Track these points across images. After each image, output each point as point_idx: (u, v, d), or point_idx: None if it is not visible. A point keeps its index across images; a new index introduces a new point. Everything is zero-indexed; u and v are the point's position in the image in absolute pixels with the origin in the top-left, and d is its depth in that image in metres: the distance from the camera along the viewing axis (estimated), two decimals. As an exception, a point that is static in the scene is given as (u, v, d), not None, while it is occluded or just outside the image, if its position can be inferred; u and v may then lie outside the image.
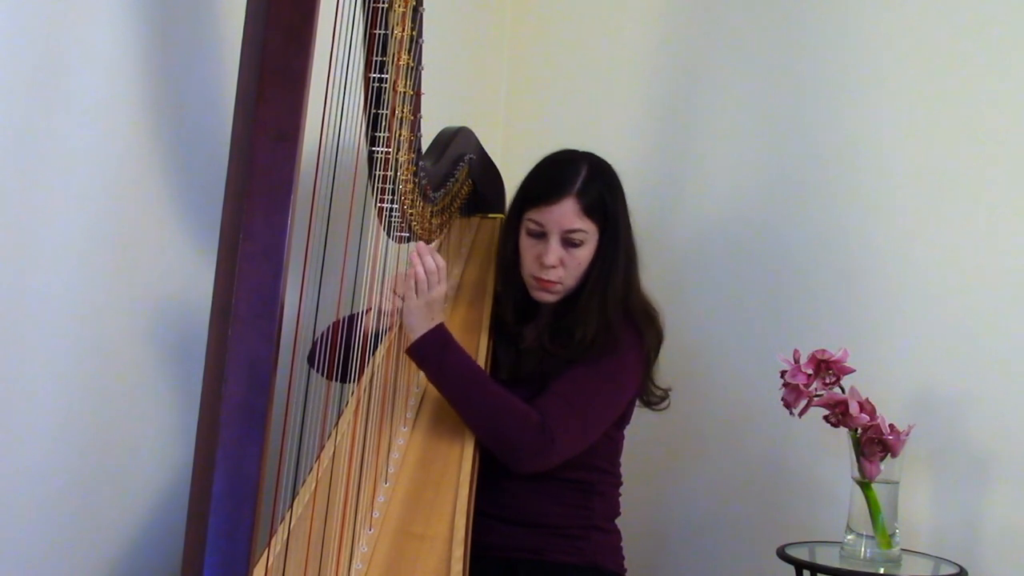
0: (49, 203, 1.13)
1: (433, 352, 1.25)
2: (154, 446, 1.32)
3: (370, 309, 1.28)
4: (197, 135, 1.31)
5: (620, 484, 1.43)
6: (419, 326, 1.25)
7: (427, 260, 1.26)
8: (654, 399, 1.40)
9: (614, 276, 1.34)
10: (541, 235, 1.35)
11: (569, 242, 1.33)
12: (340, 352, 1.26)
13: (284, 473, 0.98)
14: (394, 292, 1.30)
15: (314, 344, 1.29)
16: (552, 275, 1.35)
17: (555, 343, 1.33)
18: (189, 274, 1.31)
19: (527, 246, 1.36)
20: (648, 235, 1.44)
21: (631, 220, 1.39)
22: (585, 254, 1.34)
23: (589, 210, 1.33)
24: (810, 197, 1.78)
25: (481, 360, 1.36)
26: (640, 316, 1.36)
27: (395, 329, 1.35)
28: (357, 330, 1.27)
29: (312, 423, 1.13)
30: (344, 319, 1.29)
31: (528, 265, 1.36)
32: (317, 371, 1.25)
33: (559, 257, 1.34)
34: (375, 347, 1.30)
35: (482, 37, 2.08)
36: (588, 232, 1.33)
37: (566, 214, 1.33)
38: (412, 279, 1.25)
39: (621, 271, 1.34)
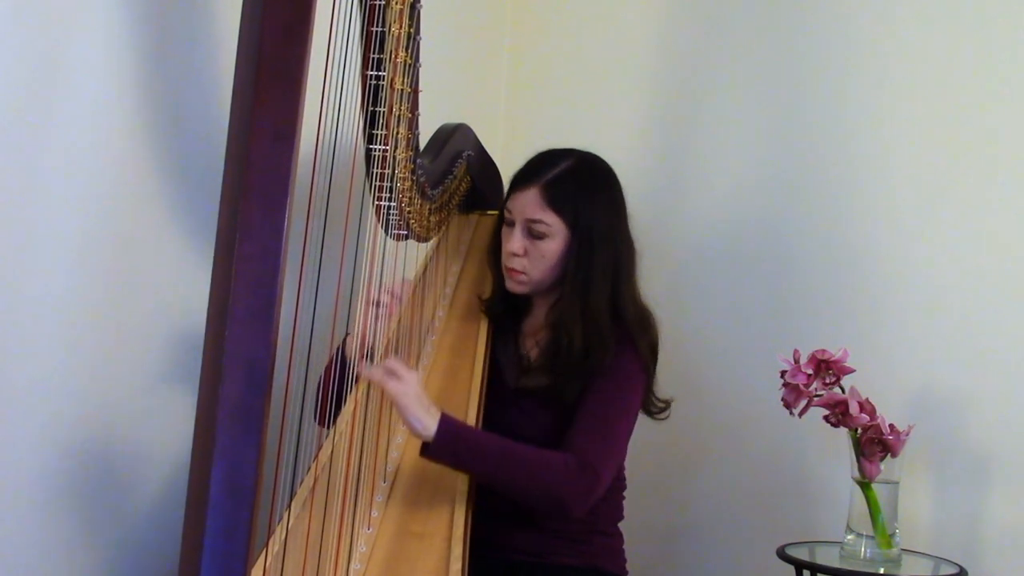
0: (46, 203, 1.13)
1: (448, 451, 1.18)
2: (151, 446, 1.32)
3: (349, 334, 1.27)
4: (194, 134, 1.31)
5: (624, 488, 1.43)
6: (424, 419, 1.16)
7: (390, 363, 1.15)
8: (655, 409, 1.39)
9: (594, 282, 1.30)
10: (512, 223, 1.35)
11: (532, 233, 1.32)
12: (332, 399, 1.23)
13: (282, 473, 0.98)
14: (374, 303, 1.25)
15: (315, 398, 1.27)
16: (516, 264, 1.34)
17: (552, 359, 1.31)
18: (186, 274, 1.31)
19: (504, 235, 1.37)
20: (649, 235, 1.43)
21: (628, 226, 1.36)
22: (550, 248, 1.32)
23: (553, 203, 1.31)
24: (811, 197, 1.78)
25: (480, 361, 1.36)
26: (633, 325, 1.32)
27: (392, 326, 1.35)
28: (347, 361, 1.24)
29: (310, 423, 1.13)
30: (335, 360, 1.26)
31: (502, 254, 1.36)
32: (317, 423, 1.24)
33: (522, 246, 1.33)
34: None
35: (482, 34, 2.08)
36: (551, 225, 1.31)
37: (529, 202, 1.32)
38: (379, 376, 1.15)
39: (603, 277, 1.31)
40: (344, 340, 1.29)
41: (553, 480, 1.21)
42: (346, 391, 1.25)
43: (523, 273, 1.34)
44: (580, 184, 1.33)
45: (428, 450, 1.19)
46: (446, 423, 1.19)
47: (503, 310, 1.42)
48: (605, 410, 1.27)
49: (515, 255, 1.34)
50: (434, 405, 1.20)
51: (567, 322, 1.30)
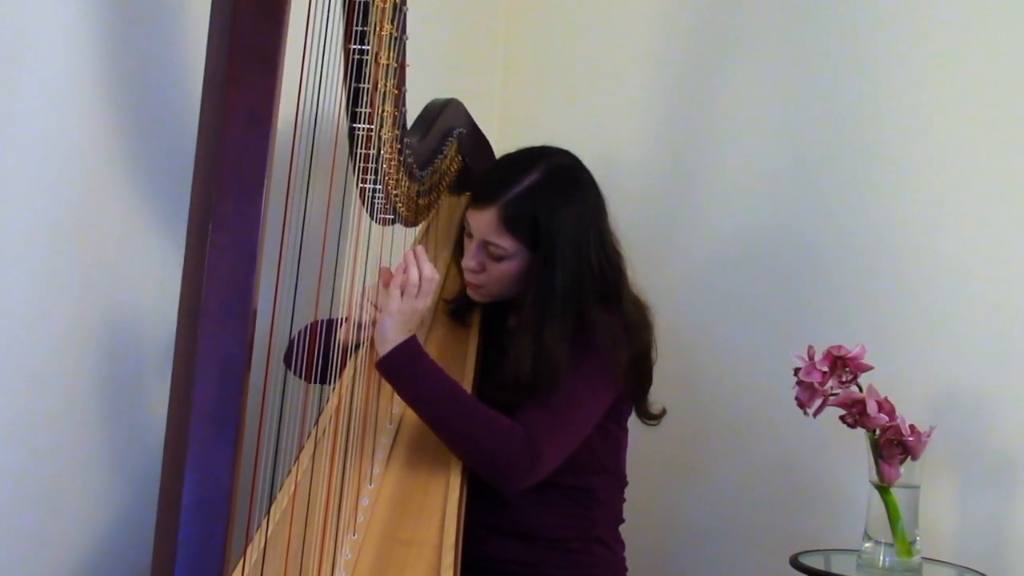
0: (5, 193, 1.13)
1: (403, 367, 1.23)
2: (121, 452, 1.33)
3: (349, 317, 1.28)
4: (164, 118, 1.31)
5: (624, 486, 1.44)
6: (392, 336, 1.24)
7: (425, 266, 1.24)
8: (647, 418, 1.40)
9: (553, 307, 1.28)
10: (471, 235, 1.35)
11: (490, 254, 1.33)
12: (318, 354, 1.26)
13: (260, 478, 0.99)
14: (374, 305, 1.29)
15: (291, 343, 1.29)
16: (474, 278, 1.36)
17: (496, 386, 1.31)
18: (156, 268, 1.31)
19: (465, 242, 1.38)
20: (655, 228, 1.44)
21: (608, 235, 1.34)
22: (508, 268, 1.33)
23: (512, 225, 1.30)
24: (826, 186, 1.78)
25: (472, 355, 1.37)
26: (603, 338, 1.30)
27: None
28: (335, 336, 1.27)
29: (290, 425, 1.14)
30: (323, 321, 1.29)
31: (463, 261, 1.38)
32: (294, 372, 1.26)
33: (480, 263, 1.34)
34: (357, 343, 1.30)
35: (476, 3, 2.07)
36: (508, 249, 1.31)
37: (487, 224, 1.32)
38: (401, 280, 1.23)
39: (564, 303, 1.28)
40: (335, 321, 1.30)
41: (496, 446, 1.22)
42: (333, 349, 1.26)
43: (482, 287, 1.36)
44: (544, 201, 1.31)
45: (385, 360, 1.23)
46: (415, 342, 1.23)
47: (468, 310, 1.43)
48: (571, 391, 1.27)
49: (471, 271, 1.35)
50: (412, 335, 1.24)
51: (518, 353, 1.29)
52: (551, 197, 1.32)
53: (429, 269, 1.25)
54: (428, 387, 1.24)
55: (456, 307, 1.45)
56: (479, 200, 1.34)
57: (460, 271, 1.42)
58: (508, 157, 1.38)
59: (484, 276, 1.35)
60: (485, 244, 1.33)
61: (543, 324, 1.29)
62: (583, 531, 1.36)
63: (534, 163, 1.34)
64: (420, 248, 1.28)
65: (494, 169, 1.38)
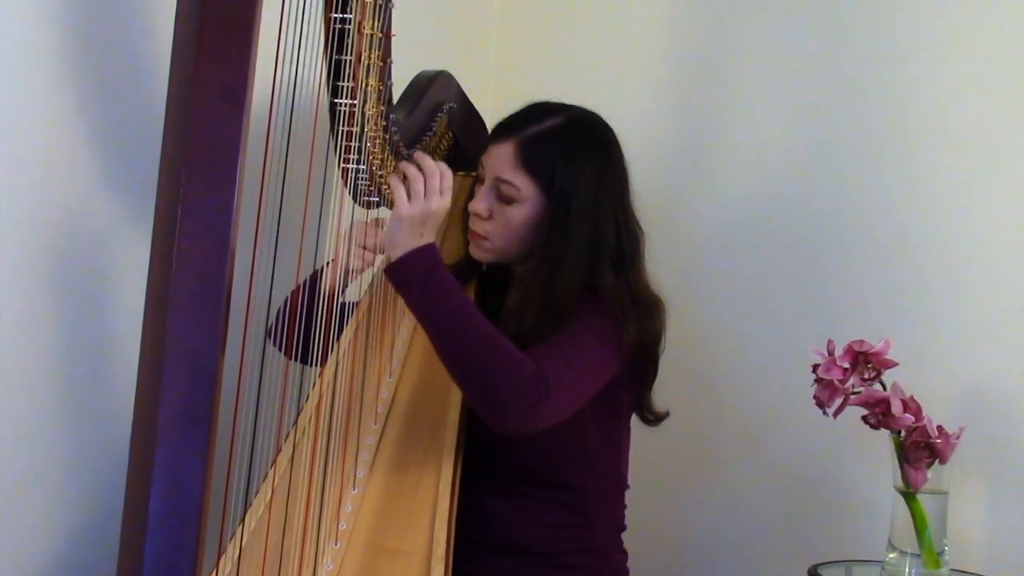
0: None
1: (418, 273, 1.20)
2: (82, 457, 1.33)
3: (335, 259, 1.28)
4: (128, 93, 1.30)
5: (625, 489, 1.44)
6: (402, 241, 1.21)
7: (428, 163, 1.23)
8: (649, 415, 1.41)
9: (566, 262, 1.28)
10: (483, 180, 1.36)
11: (501, 195, 1.33)
12: (301, 323, 1.26)
13: (234, 484, 1.00)
14: (362, 247, 1.30)
15: (275, 316, 1.30)
16: (479, 227, 1.35)
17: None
18: (121, 256, 1.32)
19: (476, 191, 1.39)
20: (663, 211, 1.44)
21: (628, 204, 1.35)
22: (517, 215, 1.32)
23: (528, 164, 1.31)
24: (851, 167, 1.77)
25: None
26: (613, 302, 1.30)
27: (363, 308, 1.37)
28: (320, 293, 1.27)
29: (266, 427, 1.15)
30: (305, 282, 1.29)
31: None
32: (275, 346, 1.27)
33: (488, 207, 1.34)
34: (341, 311, 1.30)
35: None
36: (521, 189, 1.31)
37: (501, 159, 1.33)
38: (407, 182, 1.21)
39: (578, 260, 1.28)
40: (319, 272, 1.30)
41: (504, 372, 1.19)
42: (316, 321, 1.26)
43: (486, 239, 1.36)
44: (566, 146, 1.33)
45: (395, 267, 1.22)
46: (431, 250, 1.22)
47: (467, 279, 1.42)
48: (581, 337, 1.26)
49: (478, 216, 1.35)
50: (431, 241, 1.23)
51: (523, 302, 1.29)
52: (574, 145, 1.33)
53: (431, 164, 1.23)
54: (439, 296, 1.21)
55: (454, 273, 1.44)
56: (498, 135, 1.35)
57: (464, 235, 1.42)
58: (531, 103, 1.39)
59: (491, 225, 1.34)
60: (497, 183, 1.33)
61: (553, 274, 1.29)
62: (579, 543, 1.36)
63: (560, 109, 1.37)
64: (419, 152, 1.27)
65: (517, 111, 1.39)
